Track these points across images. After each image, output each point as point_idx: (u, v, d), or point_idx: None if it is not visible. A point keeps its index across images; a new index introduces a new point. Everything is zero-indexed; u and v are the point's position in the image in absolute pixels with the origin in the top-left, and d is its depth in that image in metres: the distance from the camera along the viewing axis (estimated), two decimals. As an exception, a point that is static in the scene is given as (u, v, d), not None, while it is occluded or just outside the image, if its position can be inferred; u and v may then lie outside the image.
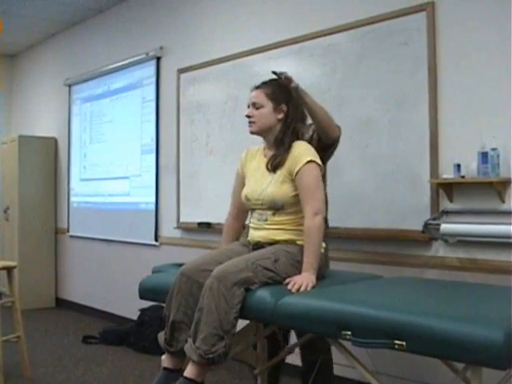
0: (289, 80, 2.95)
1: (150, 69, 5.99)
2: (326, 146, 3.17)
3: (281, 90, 2.98)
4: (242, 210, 3.12)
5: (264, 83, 3.04)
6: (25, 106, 8.53)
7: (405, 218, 3.66)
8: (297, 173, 2.83)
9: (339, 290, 2.67)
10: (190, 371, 2.58)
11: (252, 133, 3.02)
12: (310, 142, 3.06)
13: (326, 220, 3.31)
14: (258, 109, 2.97)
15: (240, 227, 3.13)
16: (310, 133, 3.21)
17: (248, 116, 3.00)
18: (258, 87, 3.03)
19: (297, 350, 3.42)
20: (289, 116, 2.97)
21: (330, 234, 3.34)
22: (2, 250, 7.69)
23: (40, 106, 8.16)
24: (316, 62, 4.21)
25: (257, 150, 3.13)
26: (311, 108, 3.04)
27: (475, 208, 3.36)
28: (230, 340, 2.56)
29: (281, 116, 2.96)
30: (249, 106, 3.02)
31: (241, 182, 3.13)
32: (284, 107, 2.96)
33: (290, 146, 2.91)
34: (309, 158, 2.84)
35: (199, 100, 5.30)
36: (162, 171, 5.80)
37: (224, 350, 2.54)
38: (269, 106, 2.96)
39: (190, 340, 2.60)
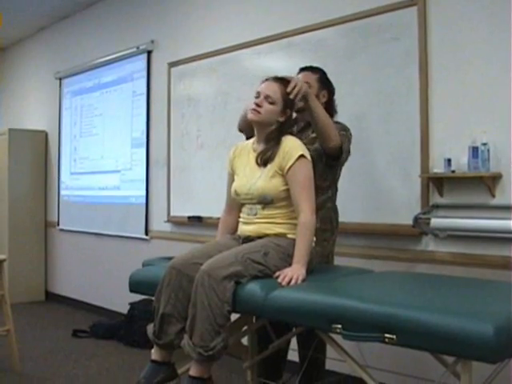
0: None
1: (140, 62, 5.97)
2: (328, 156, 3.15)
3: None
4: (235, 205, 3.10)
5: (281, 79, 2.96)
6: (15, 99, 8.49)
7: (395, 213, 3.66)
8: (289, 169, 2.82)
9: (330, 284, 2.66)
10: (193, 370, 2.59)
11: (251, 120, 2.93)
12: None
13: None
14: (269, 103, 2.90)
15: (234, 222, 3.11)
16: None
17: (257, 105, 2.90)
18: (275, 80, 2.96)
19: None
20: (287, 121, 2.96)
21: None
22: (-9, 243, 7.65)
23: (30, 99, 8.11)
24: (305, 57, 4.18)
25: (245, 145, 3.11)
26: (313, 111, 3.00)
27: (465, 202, 3.37)
28: (226, 333, 2.57)
29: (282, 119, 2.92)
30: (258, 94, 2.93)
31: (232, 180, 3.10)
32: (288, 112, 2.95)
33: (279, 141, 2.90)
34: (300, 153, 2.83)
35: (190, 94, 5.28)
36: (153, 165, 5.78)
37: (222, 345, 2.55)
38: (279, 105, 2.90)
39: (186, 336, 2.60)
